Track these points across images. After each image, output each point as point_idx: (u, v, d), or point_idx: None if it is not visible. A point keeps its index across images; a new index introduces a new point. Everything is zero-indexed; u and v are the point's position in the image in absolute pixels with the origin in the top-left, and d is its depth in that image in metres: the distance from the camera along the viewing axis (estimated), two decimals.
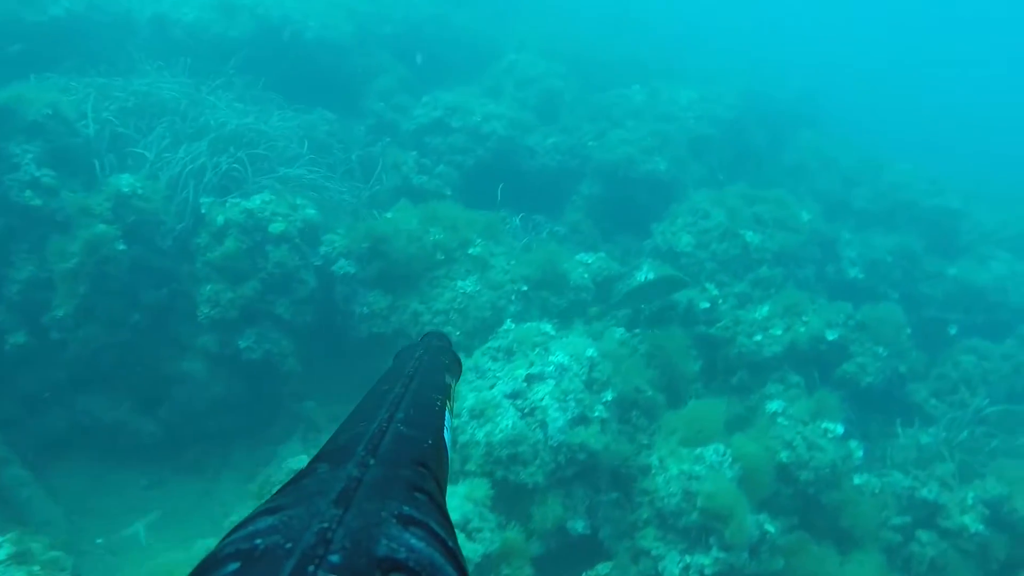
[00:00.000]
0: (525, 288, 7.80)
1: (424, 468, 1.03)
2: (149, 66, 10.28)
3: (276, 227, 7.48)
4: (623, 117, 12.21)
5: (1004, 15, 40.00)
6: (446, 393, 1.50)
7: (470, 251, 7.97)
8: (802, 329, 7.86)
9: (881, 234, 11.40)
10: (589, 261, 8.55)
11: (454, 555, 0.81)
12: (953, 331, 9.76)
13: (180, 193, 8.02)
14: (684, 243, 8.86)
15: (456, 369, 1.82)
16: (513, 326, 7.06)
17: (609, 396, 6.20)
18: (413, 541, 0.76)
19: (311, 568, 0.64)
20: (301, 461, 6.41)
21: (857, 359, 7.93)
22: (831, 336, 7.86)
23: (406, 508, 0.82)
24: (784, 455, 6.41)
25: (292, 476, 0.97)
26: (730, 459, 5.93)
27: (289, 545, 0.69)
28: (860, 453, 7.03)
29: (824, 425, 6.70)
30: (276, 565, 0.65)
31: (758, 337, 7.79)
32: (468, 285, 7.73)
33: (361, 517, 0.76)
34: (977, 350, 9.19)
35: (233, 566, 0.69)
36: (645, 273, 8.21)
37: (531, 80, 13.03)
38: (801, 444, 6.45)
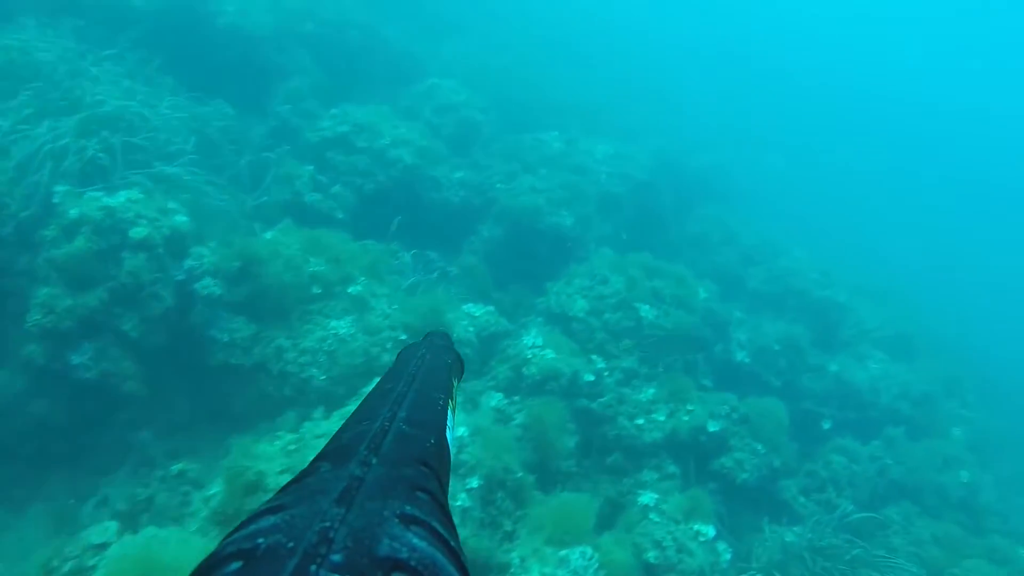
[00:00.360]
0: (404, 337, 7.31)
1: (426, 467, 1.03)
2: (29, 20, 9.25)
3: (138, 232, 6.71)
4: (537, 163, 11.94)
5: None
6: (449, 392, 1.48)
7: (350, 289, 7.41)
8: (685, 418, 7.69)
9: (771, 318, 11.53)
10: (477, 314, 8.16)
11: (456, 555, 0.82)
12: (827, 426, 9.89)
13: (32, 175, 7.07)
14: (578, 308, 8.59)
15: (459, 369, 1.81)
16: None
17: (475, 483, 5.78)
18: (415, 540, 0.76)
19: (313, 567, 0.65)
20: (107, 530, 5.65)
21: (736, 454, 7.84)
22: (713, 428, 7.74)
23: (408, 507, 0.83)
24: (652, 555, 6.18)
25: (295, 475, 0.97)
26: (596, 564, 5.61)
27: (291, 544, 0.70)
28: (728, 556, 6.88)
29: (696, 527, 6.52)
30: (278, 564, 0.66)
31: (640, 421, 7.57)
32: (342, 326, 7.16)
33: (363, 516, 0.76)
34: (846, 451, 9.30)
35: (235, 565, 0.69)
36: (533, 337, 7.87)
37: (450, 108, 12.64)
38: (671, 546, 6.25)
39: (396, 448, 1.02)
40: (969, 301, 21.68)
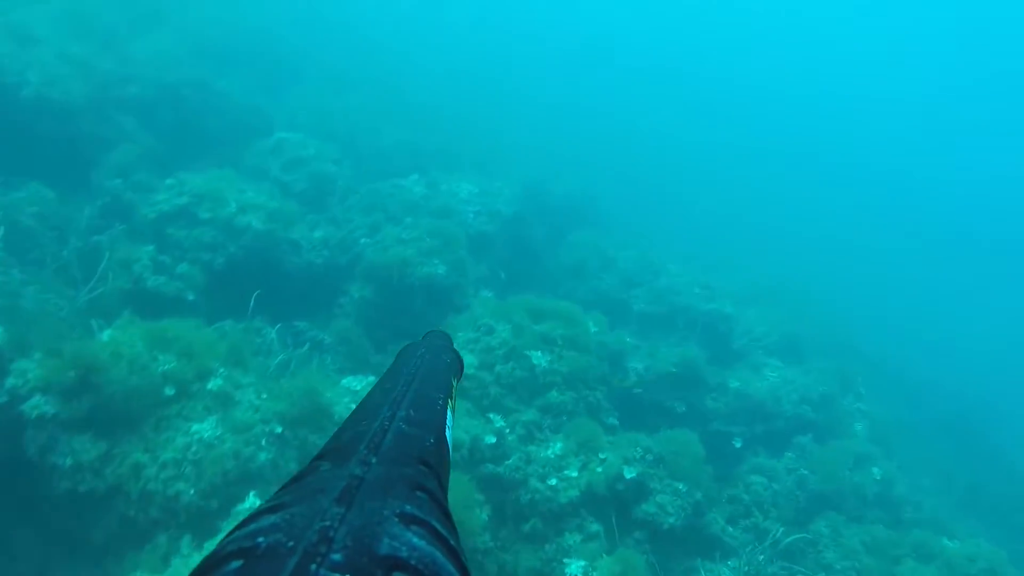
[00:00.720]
0: (280, 429, 6.49)
1: (426, 467, 1.03)
2: None
3: None
4: (400, 211, 11.35)
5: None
6: (448, 392, 1.45)
7: (210, 385, 6.50)
8: (599, 469, 7.18)
9: (663, 338, 11.46)
10: (357, 388, 7.44)
11: (456, 554, 0.82)
12: (738, 444, 9.71)
13: None
14: (466, 363, 8.06)
15: (458, 368, 1.79)
16: (256, 501, 5.78)
17: None
18: (415, 539, 0.76)
19: (313, 566, 0.65)
20: None
21: (658, 497, 7.36)
22: (630, 475, 7.28)
23: (408, 507, 0.83)
24: None
25: (295, 474, 0.96)
26: None
27: (291, 543, 0.70)
28: None
29: None
30: (278, 563, 0.66)
31: (552, 481, 7.03)
32: (206, 429, 6.25)
33: (363, 515, 0.76)
34: (763, 469, 9.13)
35: (235, 564, 0.69)
36: None
37: (300, 162, 11.90)
38: None
39: (396, 447, 1.02)
40: (839, 294, 22.75)
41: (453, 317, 9.05)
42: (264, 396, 6.72)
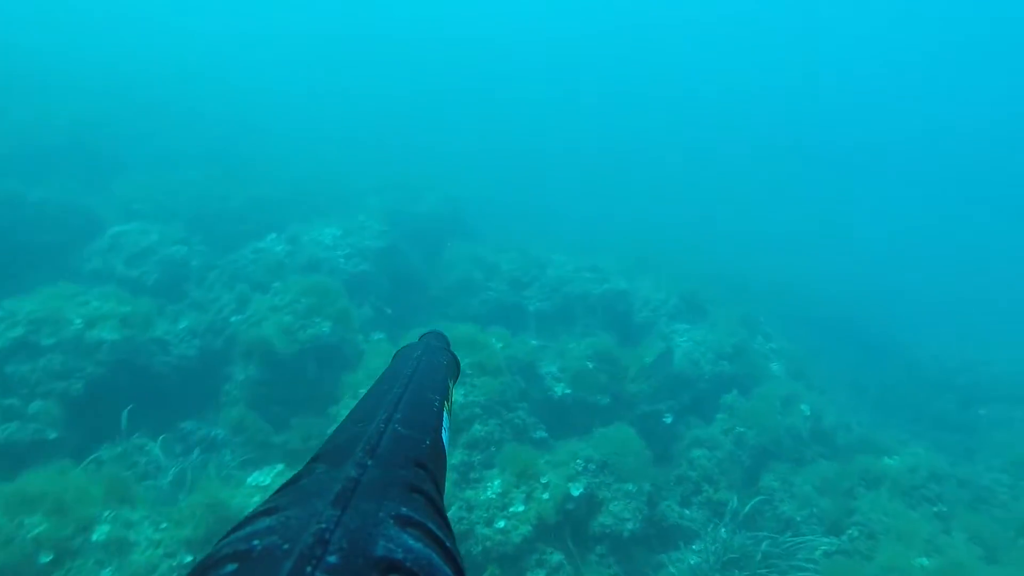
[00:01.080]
0: (190, 558, 5.77)
1: (422, 469, 1.01)
2: None
3: None
4: (266, 276, 10.60)
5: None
6: (444, 394, 1.43)
7: (95, 536, 5.73)
8: (545, 496, 6.75)
9: (567, 332, 11.22)
10: (266, 482, 6.78)
11: (452, 556, 0.81)
12: (669, 420, 9.52)
13: None
14: None
15: (454, 370, 1.76)
16: None
17: None
18: (411, 542, 0.76)
19: (309, 569, 0.64)
20: None
21: (611, 506, 6.94)
22: (577, 491, 6.86)
23: (404, 509, 0.82)
24: None
25: (291, 477, 0.97)
26: None
27: (287, 546, 0.69)
28: None
29: None
30: (274, 566, 0.65)
31: (501, 523, 6.53)
32: None
33: (359, 518, 0.76)
34: (701, 441, 8.90)
35: (231, 567, 0.69)
36: None
37: (145, 252, 10.96)
38: None
39: (392, 449, 1.00)
40: (718, 242, 23.32)
41: (348, 375, 8.45)
42: (164, 526, 5.95)
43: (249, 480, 6.80)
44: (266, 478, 6.77)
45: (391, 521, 0.78)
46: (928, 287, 26.60)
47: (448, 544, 0.83)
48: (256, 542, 0.71)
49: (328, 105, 29.81)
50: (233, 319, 9.65)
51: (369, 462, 0.93)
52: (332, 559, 0.66)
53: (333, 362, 9.07)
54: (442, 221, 15.63)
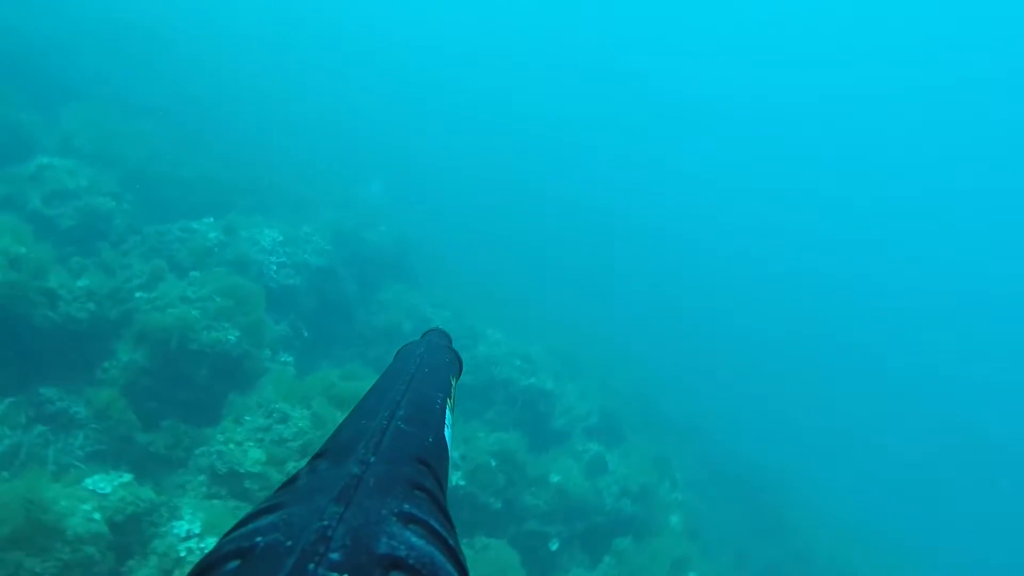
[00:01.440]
0: None
1: (425, 466, 1.02)
2: None
3: None
4: (189, 260, 9.84)
5: None
6: (447, 391, 1.44)
7: None
8: None
9: (478, 411, 10.66)
10: (106, 490, 5.96)
11: (454, 553, 0.81)
12: (554, 547, 8.96)
13: None
14: (252, 460, 6.65)
15: (457, 367, 1.77)
16: None
17: None
18: (413, 539, 0.76)
19: (311, 566, 0.64)
20: None
21: None
22: None
23: (407, 506, 0.82)
24: None
25: (293, 474, 0.95)
26: None
27: (289, 543, 0.69)
28: None
29: None
30: (276, 563, 0.65)
31: None
32: None
33: (362, 515, 0.75)
34: None
35: (233, 564, 0.69)
36: (189, 519, 5.87)
37: (68, 195, 10.12)
38: None
39: (395, 446, 1.01)
40: (654, 351, 23.17)
41: (238, 398, 7.71)
42: None
43: (87, 482, 5.95)
44: (107, 486, 5.95)
45: (394, 518, 0.77)
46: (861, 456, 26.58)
47: (451, 542, 0.82)
48: (259, 539, 0.70)
49: (321, 102, 29.14)
50: (139, 294, 8.84)
51: (372, 459, 0.93)
52: (335, 556, 0.65)
53: (229, 375, 8.33)
54: (389, 255, 15.04)
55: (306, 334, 10.82)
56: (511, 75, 55.64)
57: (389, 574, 0.67)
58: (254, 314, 8.75)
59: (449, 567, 0.75)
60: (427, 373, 1.44)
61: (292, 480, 0.92)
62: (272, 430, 7.05)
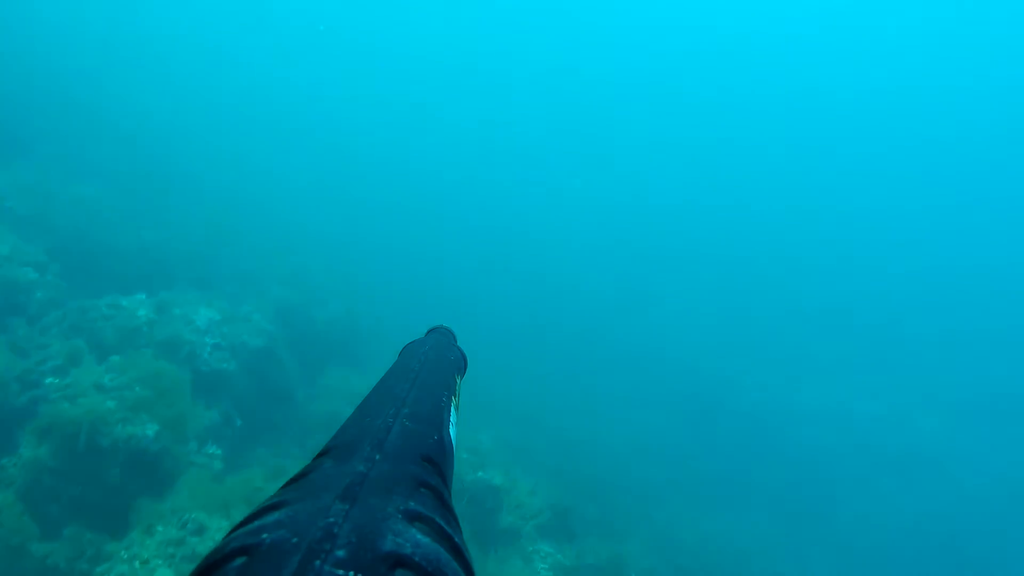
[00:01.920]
0: None
1: (430, 463, 1.01)
2: None
3: None
4: (114, 340, 9.07)
5: None
6: (452, 389, 1.43)
7: None
8: None
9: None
10: None
11: (459, 550, 0.80)
12: None
13: None
14: None
15: (462, 366, 1.74)
16: None
17: None
18: (419, 536, 0.75)
19: (317, 563, 0.64)
20: None
21: None
22: None
23: (412, 503, 0.81)
24: None
25: (299, 471, 0.93)
26: None
27: (295, 540, 0.68)
28: None
29: None
30: (282, 559, 0.65)
31: None
32: None
33: (367, 512, 0.75)
34: None
35: (239, 560, 0.68)
36: None
37: None
38: None
39: (400, 444, 1.00)
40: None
41: (150, 503, 6.89)
42: None
43: None
44: None
45: (399, 516, 0.77)
46: None
47: (456, 539, 0.82)
48: (265, 536, 0.70)
49: (285, 172, 28.58)
50: (49, 380, 8.03)
51: (377, 457, 0.92)
52: (340, 553, 0.65)
53: (144, 474, 7.49)
54: (336, 334, 14.37)
55: (239, 423, 10.01)
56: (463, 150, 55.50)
57: (395, 571, 0.67)
58: (177, 405, 7.99)
59: (455, 564, 0.75)
60: (432, 371, 1.42)
61: (298, 477, 0.90)
62: (185, 543, 6.26)
